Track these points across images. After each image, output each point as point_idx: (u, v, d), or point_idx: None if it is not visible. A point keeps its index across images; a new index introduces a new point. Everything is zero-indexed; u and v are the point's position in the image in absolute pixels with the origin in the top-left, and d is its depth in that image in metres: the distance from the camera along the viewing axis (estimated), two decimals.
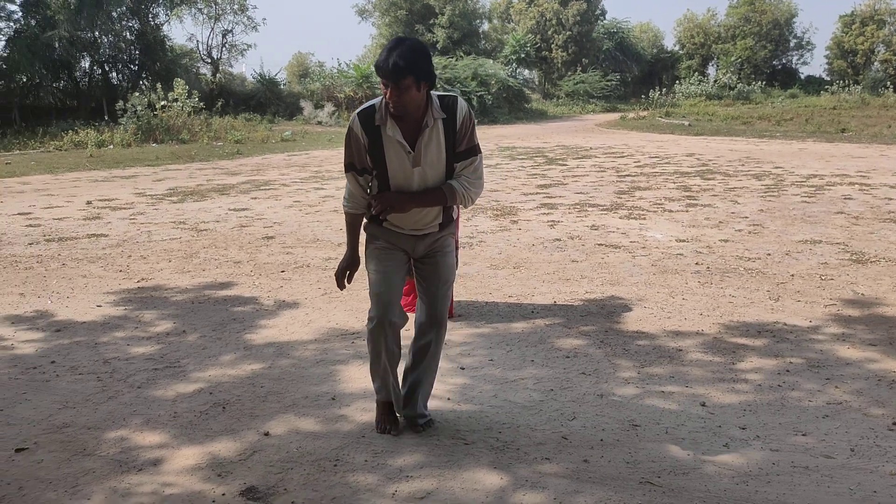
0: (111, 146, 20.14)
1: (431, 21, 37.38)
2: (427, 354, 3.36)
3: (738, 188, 11.02)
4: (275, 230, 8.19)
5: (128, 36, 30.78)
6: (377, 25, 40.50)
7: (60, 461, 3.14)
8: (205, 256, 6.96)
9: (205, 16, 31.87)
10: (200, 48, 32.69)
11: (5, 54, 29.60)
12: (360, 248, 3.27)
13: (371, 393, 3.78)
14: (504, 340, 4.62)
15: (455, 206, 3.21)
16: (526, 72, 45.42)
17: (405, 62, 2.70)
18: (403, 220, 3.09)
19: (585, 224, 8.30)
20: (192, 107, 23.70)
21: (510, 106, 34.22)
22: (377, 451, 3.21)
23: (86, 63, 30.66)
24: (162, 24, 31.71)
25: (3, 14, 29.92)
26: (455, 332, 4.75)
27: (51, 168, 15.15)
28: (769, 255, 6.74)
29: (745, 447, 3.23)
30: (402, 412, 3.43)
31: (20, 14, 30.16)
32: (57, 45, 28.88)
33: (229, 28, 32.41)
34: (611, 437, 3.34)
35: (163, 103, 22.89)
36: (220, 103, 28.50)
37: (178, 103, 23.28)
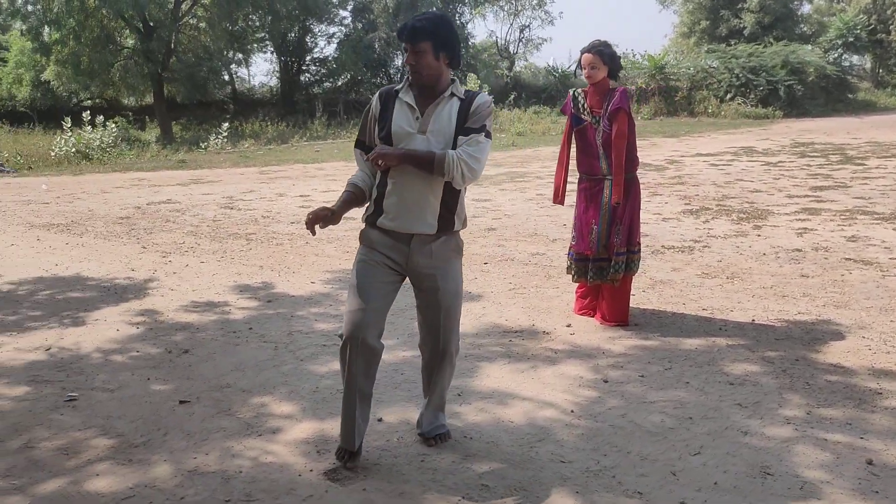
0: None
1: (739, 5, 34.70)
2: (432, 383, 3.22)
3: None
4: (500, 222, 8.34)
5: None
6: (679, 13, 38.65)
7: (206, 416, 3.59)
8: None
9: (505, 12, 33.19)
10: (499, 43, 34.12)
11: (335, 56, 33.85)
12: (345, 213, 3.05)
13: (496, 394, 3.75)
14: (668, 356, 4.24)
15: (461, 215, 3.03)
16: (854, 58, 40.02)
17: (425, 26, 2.79)
18: (398, 209, 2.91)
19: (843, 235, 7.17)
20: None
21: (827, 97, 30.45)
22: (467, 454, 3.17)
23: (398, 61, 33.74)
24: (467, 23, 33.66)
25: (336, 20, 34.26)
26: (618, 342, 4.47)
27: (347, 155, 16.99)
28: None
29: None
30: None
31: (350, 19, 34.29)
32: (376, 45, 32.29)
33: (527, 23, 33.41)
34: (728, 481, 2.91)
35: None
36: (512, 96, 29.54)
37: None
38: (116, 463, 3.14)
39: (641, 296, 5.40)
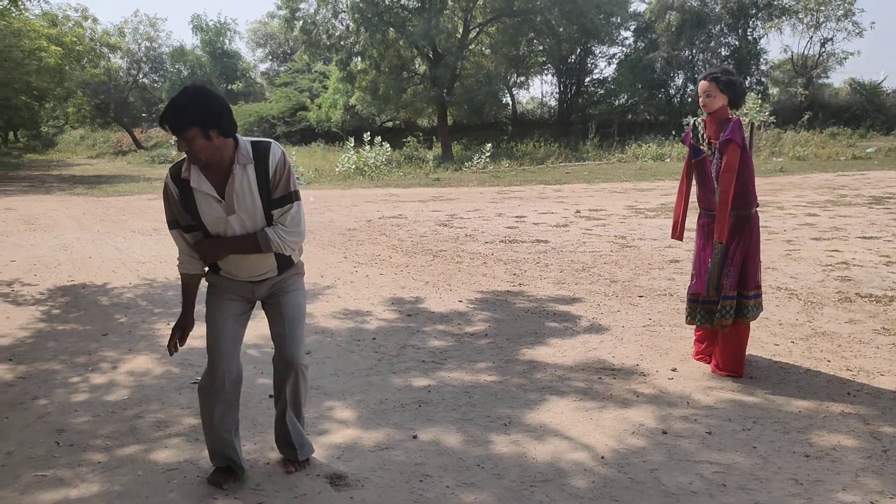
0: (667, 160, 21.21)
1: None
2: (286, 398, 3.25)
3: None
4: (688, 254, 7.83)
5: (722, 52, 31.43)
6: None
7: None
8: (595, 271, 7.21)
9: (804, 25, 30.24)
10: (794, 59, 31.15)
11: (614, 76, 33.71)
12: (195, 309, 3.21)
13: (540, 429, 3.72)
14: (757, 417, 3.78)
15: (294, 254, 3.06)
16: None
17: (184, 114, 2.68)
18: (238, 269, 3.02)
19: None
20: (762, 121, 23.09)
21: None
22: (466, 482, 3.22)
23: (679, 80, 32.55)
24: (759, 39, 31.37)
25: (618, 41, 34.11)
26: (713, 394, 4.09)
27: (590, 179, 16.96)
28: None
29: None
30: (280, 450, 3.40)
31: (631, 39, 33.92)
32: (657, 65, 31.54)
33: (829, 36, 30.05)
34: None
35: None
36: (806, 116, 26.91)
37: (745, 118, 22.95)
38: (186, 440, 3.71)
39: (786, 346, 4.83)
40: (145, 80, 45.86)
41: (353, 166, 20.05)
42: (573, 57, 34.11)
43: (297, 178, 12.85)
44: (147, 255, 8.72)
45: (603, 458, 3.41)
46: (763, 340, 4.97)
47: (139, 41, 43.51)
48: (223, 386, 3.11)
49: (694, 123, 4.50)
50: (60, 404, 4.19)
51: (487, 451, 3.51)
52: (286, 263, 3.12)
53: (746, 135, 4.27)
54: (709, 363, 4.54)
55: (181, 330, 3.17)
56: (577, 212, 11.55)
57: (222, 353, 3.09)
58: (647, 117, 33.12)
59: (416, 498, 3.09)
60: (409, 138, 30.95)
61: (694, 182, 4.54)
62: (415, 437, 3.67)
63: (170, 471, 3.37)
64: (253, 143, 2.90)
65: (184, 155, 2.87)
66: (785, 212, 10.76)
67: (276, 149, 2.91)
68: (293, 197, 2.92)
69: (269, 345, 5.07)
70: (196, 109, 2.68)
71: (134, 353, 5.09)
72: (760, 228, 4.41)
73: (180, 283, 3.17)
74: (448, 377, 4.49)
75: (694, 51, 31.78)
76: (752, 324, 5.12)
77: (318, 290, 6.76)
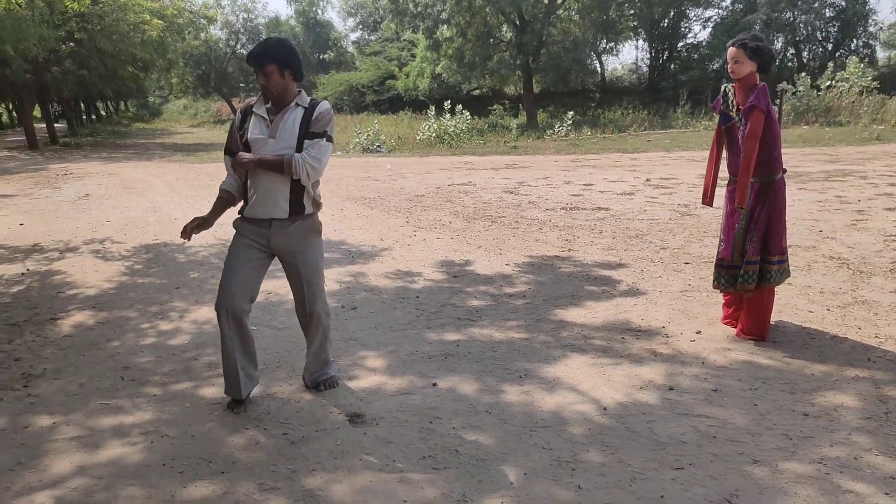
0: None
1: None
2: (312, 343, 3.82)
3: None
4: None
5: (827, 13, 29.79)
6: None
7: (282, 352, 4.41)
8: (648, 238, 7.26)
9: None
10: None
11: (708, 41, 32.49)
12: (217, 218, 3.72)
13: (553, 382, 3.95)
14: (766, 377, 3.87)
15: (310, 201, 3.48)
16: None
17: (268, 52, 3.33)
18: (255, 204, 3.52)
19: None
20: (863, 86, 21.87)
21: None
22: (471, 424, 3.49)
23: (779, 43, 31.07)
24: None
25: (714, 2, 32.79)
26: (728, 355, 4.20)
27: (670, 147, 16.64)
28: None
29: None
30: (307, 380, 3.94)
31: (728, 1, 32.54)
32: (756, 27, 30.17)
33: None
34: (679, 502, 2.80)
35: (828, 83, 21.84)
36: None
37: (846, 83, 21.81)
38: (207, 383, 4.13)
39: (820, 313, 4.83)
40: (243, 51, 47.48)
41: (434, 134, 20.35)
42: (666, 20, 33.10)
43: (380, 146, 13.54)
44: (225, 218, 9.29)
45: (605, 409, 3.60)
46: (798, 307, 4.98)
47: (237, 13, 45.06)
48: (226, 321, 3.53)
49: (724, 90, 4.53)
50: (129, 346, 4.71)
51: (498, 399, 3.76)
52: (296, 210, 3.53)
53: (776, 103, 4.27)
54: (735, 327, 4.62)
55: (200, 222, 3.65)
56: (647, 180, 11.47)
57: (228, 291, 3.53)
58: None
59: (422, 436, 3.39)
60: (495, 106, 30.96)
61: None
62: (434, 384, 3.96)
63: (212, 405, 3.80)
64: (312, 99, 3.52)
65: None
66: (867, 181, 10.34)
67: (326, 104, 3.50)
68: (325, 135, 3.44)
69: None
70: (277, 51, 3.36)
71: (199, 304, 5.59)
72: (786, 195, 4.42)
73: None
74: (479, 333, 4.75)
75: (796, 12, 30.22)
76: (791, 290, 5.16)
77: (375, 252, 7.12)
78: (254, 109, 3.52)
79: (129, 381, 4.13)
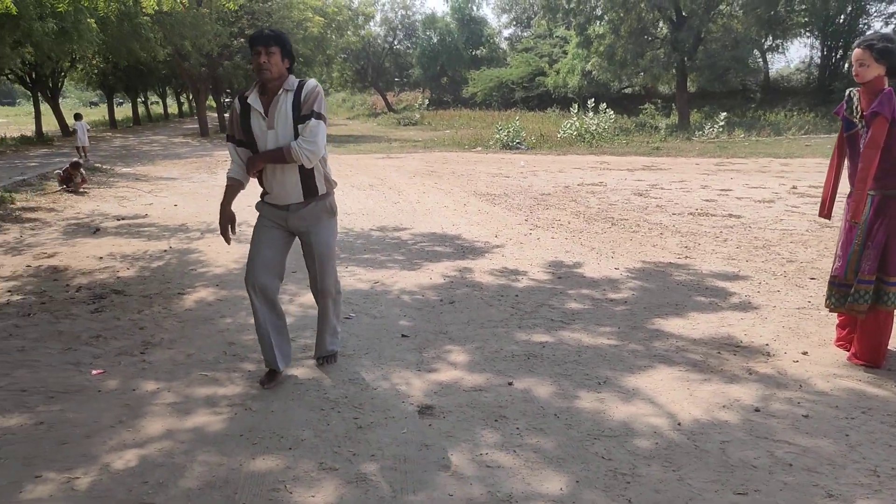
0: None
1: None
2: (322, 316, 4.16)
3: None
4: None
5: None
6: None
7: (407, 349, 4.53)
8: (775, 249, 6.82)
9: None
10: None
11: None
12: (230, 206, 3.90)
13: (632, 393, 3.85)
14: (870, 408, 3.55)
15: (322, 180, 3.80)
16: None
17: (275, 34, 3.59)
18: (274, 193, 3.79)
19: None
20: None
21: None
22: (533, 426, 3.46)
23: None
24: None
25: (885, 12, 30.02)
26: (833, 381, 3.89)
27: (830, 153, 15.43)
28: None
29: None
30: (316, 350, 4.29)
31: None
32: None
33: None
34: None
35: None
36: None
37: None
38: (298, 364, 4.33)
39: None
40: (399, 47, 48.97)
41: (575, 133, 20.06)
42: (842, 16, 30.66)
43: (520, 142, 13.63)
44: (354, 208, 9.73)
45: (679, 424, 3.46)
46: None
47: (396, 9, 46.50)
48: (254, 294, 3.84)
49: (849, 94, 4.18)
50: (239, 324, 5.06)
51: (570, 404, 3.70)
52: (310, 192, 3.81)
53: None
54: (848, 350, 4.27)
55: (228, 220, 3.92)
56: (794, 188, 10.74)
57: (253, 269, 3.84)
58: None
59: (484, 433, 3.41)
60: (646, 105, 30.05)
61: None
62: (510, 384, 3.96)
63: (297, 384, 4.00)
64: (300, 80, 3.71)
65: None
66: None
67: (312, 82, 3.69)
68: (315, 115, 3.62)
69: (414, 295, 5.63)
70: (282, 39, 3.64)
71: (308, 289, 5.88)
72: None
73: (225, 185, 3.95)
74: (568, 336, 4.68)
75: None
76: None
77: (487, 249, 7.17)
78: (250, 102, 3.69)
79: (230, 356, 4.43)
